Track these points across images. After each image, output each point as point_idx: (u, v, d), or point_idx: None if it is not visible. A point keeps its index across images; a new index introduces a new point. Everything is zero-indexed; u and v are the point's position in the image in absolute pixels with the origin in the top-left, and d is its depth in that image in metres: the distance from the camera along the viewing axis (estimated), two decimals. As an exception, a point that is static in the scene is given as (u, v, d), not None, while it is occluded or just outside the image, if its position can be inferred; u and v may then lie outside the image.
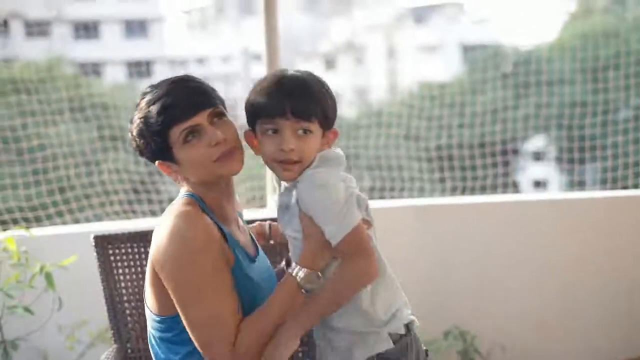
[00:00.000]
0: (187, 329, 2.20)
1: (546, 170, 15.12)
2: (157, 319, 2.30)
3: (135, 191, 5.68)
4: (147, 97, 2.25)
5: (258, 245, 2.47)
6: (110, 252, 2.94)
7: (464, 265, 4.45)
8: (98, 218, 5.44)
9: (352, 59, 34.53)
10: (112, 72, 28.98)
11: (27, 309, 3.75)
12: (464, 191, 5.58)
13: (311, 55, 34.99)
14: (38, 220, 5.18)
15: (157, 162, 2.28)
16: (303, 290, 2.20)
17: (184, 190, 2.32)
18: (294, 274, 2.20)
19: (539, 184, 16.68)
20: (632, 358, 4.38)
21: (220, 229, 2.26)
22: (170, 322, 2.27)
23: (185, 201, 2.26)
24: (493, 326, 4.35)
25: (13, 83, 6.39)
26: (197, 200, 2.27)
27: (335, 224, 2.15)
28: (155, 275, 2.24)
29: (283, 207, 2.27)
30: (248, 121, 2.25)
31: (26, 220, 5.09)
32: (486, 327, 4.31)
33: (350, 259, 2.18)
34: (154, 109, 2.21)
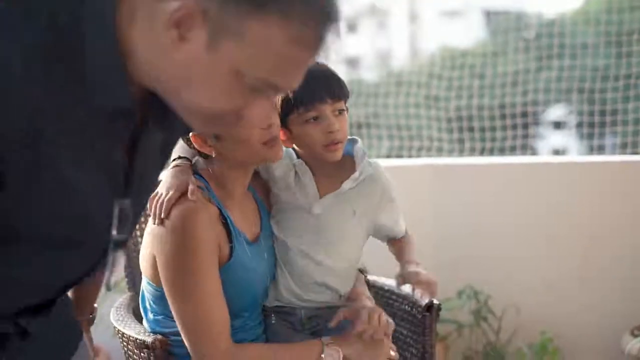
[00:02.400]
0: (178, 326, 2.23)
1: (566, 139, 15.03)
2: (154, 286, 2.34)
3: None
4: None
5: (263, 222, 2.46)
6: (128, 200, 2.95)
7: (480, 225, 4.45)
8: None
9: (374, 23, 34.37)
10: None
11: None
12: (482, 153, 5.56)
13: (333, 18, 34.78)
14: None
15: (191, 134, 2.24)
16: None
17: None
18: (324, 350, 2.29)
19: (557, 153, 16.58)
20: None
21: (222, 215, 2.28)
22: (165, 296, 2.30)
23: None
24: (507, 288, 4.34)
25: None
26: (202, 184, 2.28)
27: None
28: (153, 254, 2.27)
29: (334, 196, 2.40)
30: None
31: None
32: (501, 288, 4.31)
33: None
34: None
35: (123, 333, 2.46)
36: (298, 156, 2.44)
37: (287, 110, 2.30)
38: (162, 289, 2.26)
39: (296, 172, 2.43)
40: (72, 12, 1.25)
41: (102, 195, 1.40)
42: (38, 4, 1.24)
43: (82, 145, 1.31)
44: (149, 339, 2.30)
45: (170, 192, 2.22)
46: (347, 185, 2.39)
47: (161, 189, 2.27)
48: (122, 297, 2.82)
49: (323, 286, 2.43)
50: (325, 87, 2.29)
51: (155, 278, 2.30)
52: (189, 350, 2.24)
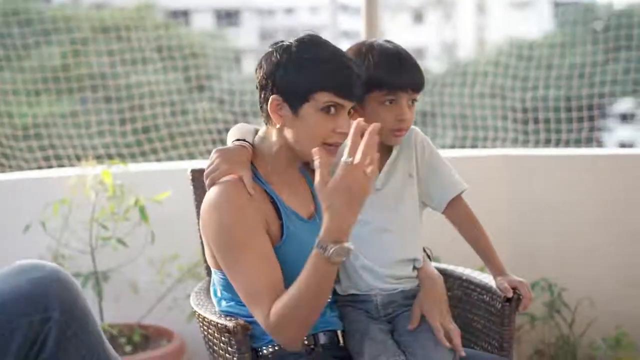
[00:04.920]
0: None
1: (633, 133, 14.84)
2: (218, 273, 2.40)
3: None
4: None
5: (317, 202, 2.44)
6: (206, 186, 2.97)
7: (554, 218, 4.41)
8: (182, 159, 5.44)
9: (441, 14, 34.16)
10: (200, 20, 29.11)
11: (120, 241, 3.84)
12: (557, 144, 5.50)
13: (399, 8, 34.71)
14: (132, 157, 5.26)
15: (276, 95, 2.26)
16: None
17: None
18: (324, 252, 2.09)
19: (624, 146, 16.37)
20: None
21: (269, 194, 2.33)
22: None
23: None
24: (582, 281, 4.30)
25: (104, 28, 6.44)
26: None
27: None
28: (207, 241, 2.34)
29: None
30: None
31: (121, 156, 5.15)
32: (575, 281, 4.26)
33: None
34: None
35: (204, 317, 2.48)
36: None
37: (370, 88, 2.37)
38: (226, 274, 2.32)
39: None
40: None
41: None
42: None
43: None
44: (230, 323, 2.32)
45: (221, 168, 2.29)
46: (395, 150, 2.51)
47: (215, 158, 2.33)
48: (201, 283, 2.85)
49: (398, 256, 2.50)
50: (411, 77, 2.40)
51: (216, 264, 2.36)
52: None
